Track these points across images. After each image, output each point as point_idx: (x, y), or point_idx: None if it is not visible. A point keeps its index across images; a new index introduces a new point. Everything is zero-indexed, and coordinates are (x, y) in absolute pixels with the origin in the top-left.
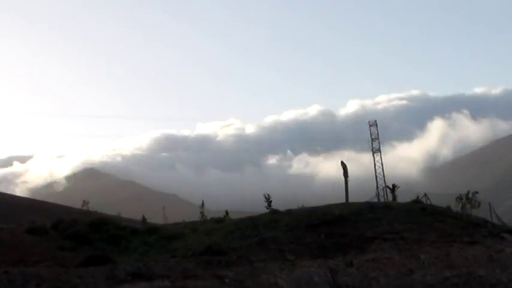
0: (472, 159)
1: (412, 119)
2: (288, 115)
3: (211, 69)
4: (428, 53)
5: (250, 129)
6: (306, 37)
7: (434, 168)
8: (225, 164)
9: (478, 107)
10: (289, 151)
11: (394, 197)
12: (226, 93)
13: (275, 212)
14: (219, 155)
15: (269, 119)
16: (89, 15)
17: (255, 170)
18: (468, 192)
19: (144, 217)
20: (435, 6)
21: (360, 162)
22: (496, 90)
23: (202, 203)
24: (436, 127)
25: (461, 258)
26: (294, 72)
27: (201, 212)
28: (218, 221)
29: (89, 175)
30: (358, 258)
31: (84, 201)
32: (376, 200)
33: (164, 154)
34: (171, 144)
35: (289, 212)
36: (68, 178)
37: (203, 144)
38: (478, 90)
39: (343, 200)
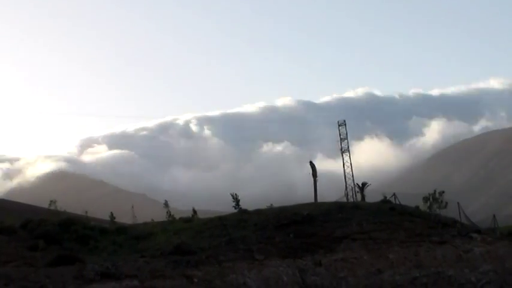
0: (441, 160)
1: (381, 119)
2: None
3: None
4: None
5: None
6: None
7: (403, 168)
8: (193, 163)
9: (437, 107)
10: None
11: (363, 197)
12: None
13: (244, 211)
14: (188, 154)
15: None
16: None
17: (226, 169)
18: (435, 192)
19: (112, 216)
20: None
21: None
22: (448, 90)
23: (166, 203)
24: (404, 127)
25: (430, 258)
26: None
27: (167, 212)
28: (187, 220)
29: (58, 175)
30: (327, 258)
31: (51, 201)
32: (345, 200)
33: (132, 154)
34: (139, 144)
35: (258, 212)
36: (37, 178)
37: (170, 143)
38: (437, 91)
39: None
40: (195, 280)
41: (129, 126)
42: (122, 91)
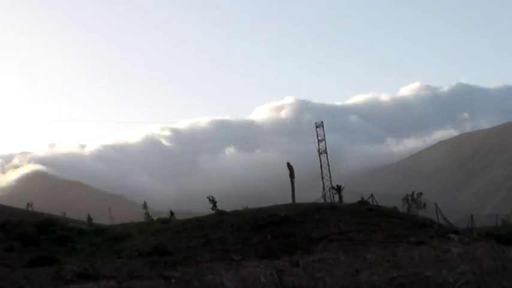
0: (420, 160)
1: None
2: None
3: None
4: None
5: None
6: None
7: (381, 169)
8: (170, 165)
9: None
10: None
11: (340, 198)
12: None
13: (221, 212)
14: (165, 156)
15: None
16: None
17: (203, 169)
18: (413, 193)
19: (89, 217)
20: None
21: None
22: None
23: (145, 204)
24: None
25: (408, 259)
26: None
27: (145, 213)
28: (164, 221)
29: (35, 176)
30: (305, 258)
31: (28, 203)
32: (322, 201)
33: (111, 155)
34: (117, 146)
35: (235, 213)
36: (14, 179)
37: (148, 145)
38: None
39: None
40: (173, 281)
41: (109, 129)
42: (102, 95)
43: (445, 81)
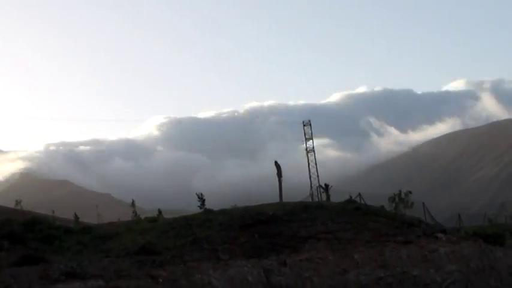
0: (407, 159)
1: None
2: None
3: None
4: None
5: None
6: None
7: (368, 168)
8: (157, 165)
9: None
10: None
11: (328, 197)
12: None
13: (209, 211)
14: (152, 155)
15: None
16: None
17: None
18: (400, 192)
19: (77, 216)
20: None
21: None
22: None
23: (133, 202)
24: (370, 127)
25: (395, 258)
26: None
27: (133, 212)
28: (152, 220)
29: (23, 175)
30: (292, 258)
31: (16, 200)
32: (310, 200)
33: (98, 154)
34: (104, 144)
35: (223, 212)
36: (2, 178)
37: (135, 145)
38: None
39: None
40: (160, 280)
41: (96, 128)
42: (91, 95)
43: None
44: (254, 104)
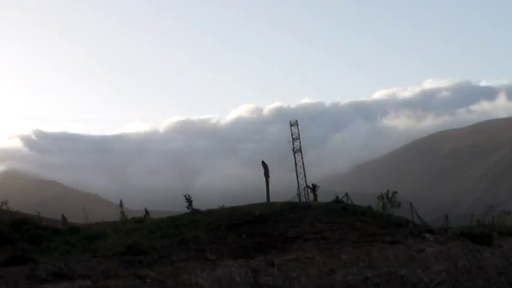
0: (395, 159)
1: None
2: None
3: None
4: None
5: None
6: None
7: (356, 168)
8: (147, 164)
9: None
10: None
11: (315, 197)
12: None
13: (196, 211)
14: (141, 156)
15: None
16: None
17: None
18: (388, 191)
19: (64, 217)
20: None
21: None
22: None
23: (121, 203)
24: (357, 127)
25: (383, 258)
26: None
27: (121, 212)
28: (139, 220)
29: (9, 175)
30: (280, 258)
31: (2, 201)
32: (297, 200)
33: (85, 154)
34: (91, 145)
35: (210, 212)
36: None
37: (123, 144)
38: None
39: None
40: (148, 280)
41: (82, 127)
42: (79, 95)
43: None
44: None
